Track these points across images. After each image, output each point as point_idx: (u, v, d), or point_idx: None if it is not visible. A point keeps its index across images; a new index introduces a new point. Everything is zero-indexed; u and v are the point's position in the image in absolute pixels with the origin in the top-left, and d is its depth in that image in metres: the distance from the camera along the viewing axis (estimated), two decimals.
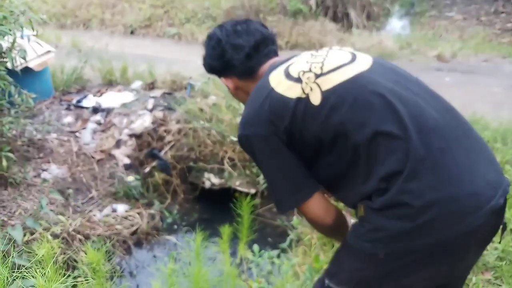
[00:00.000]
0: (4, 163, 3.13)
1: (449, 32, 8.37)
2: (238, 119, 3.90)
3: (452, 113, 1.28)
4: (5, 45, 3.16)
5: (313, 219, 1.37)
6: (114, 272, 2.97)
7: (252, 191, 3.74)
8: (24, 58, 3.33)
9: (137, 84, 4.97)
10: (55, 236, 2.93)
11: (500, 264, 2.46)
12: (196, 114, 4.08)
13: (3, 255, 2.39)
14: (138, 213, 3.55)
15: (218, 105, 4.11)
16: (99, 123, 4.18)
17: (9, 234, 2.75)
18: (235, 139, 3.84)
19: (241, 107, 4.06)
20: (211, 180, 3.93)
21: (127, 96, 4.62)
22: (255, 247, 2.87)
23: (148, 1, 8.58)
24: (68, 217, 3.18)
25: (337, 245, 1.46)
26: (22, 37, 3.32)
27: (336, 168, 1.29)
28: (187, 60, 5.96)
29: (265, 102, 1.30)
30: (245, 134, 1.35)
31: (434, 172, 1.15)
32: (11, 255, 2.42)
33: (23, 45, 3.34)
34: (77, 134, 4.01)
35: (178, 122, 4.16)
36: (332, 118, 1.23)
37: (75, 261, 2.87)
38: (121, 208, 3.54)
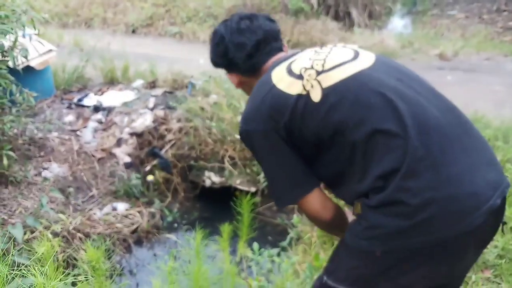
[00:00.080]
0: (5, 161, 3.14)
1: (451, 30, 8.36)
2: (239, 118, 3.91)
3: (454, 112, 1.27)
4: (7, 43, 3.17)
5: (312, 215, 1.37)
6: (114, 270, 2.99)
7: (253, 189, 3.74)
8: (25, 57, 3.33)
9: (138, 83, 4.97)
10: (55, 234, 2.93)
11: (500, 262, 2.46)
12: (197, 113, 4.08)
13: (3, 253, 2.40)
14: (139, 212, 3.55)
15: (219, 104, 4.11)
16: (100, 122, 4.19)
17: (10, 233, 2.75)
18: (237, 136, 3.84)
19: (242, 106, 4.07)
20: (211, 178, 3.93)
21: (128, 95, 4.63)
22: (255, 245, 2.87)
23: (150, 0, 8.59)
24: (69, 215, 3.19)
25: (337, 243, 1.47)
26: (24, 36, 3.33)
27: (335, 166, 1.29)
28: (189, 59, 5.98)
29: (266, 98, 1.31)
30: (246, 129, 1.36)
31: (433, 171, 1.14)
32: (11, 253, 2.43)
33: (25, 44, 3.34)
34: (78, 132, 4.02)
35: (179, 121, 4.17)
36: (331, 115, 1.23)
37: (75, 259, 2.87)
38: (122, 206, 3.54)
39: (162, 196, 3.95)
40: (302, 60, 1.35)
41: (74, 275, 2.34)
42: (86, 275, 2.45)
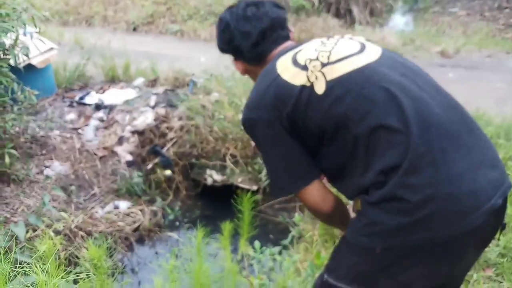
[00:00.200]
0: (7, 160, 3.14)
1: (452, 28, 8.35)
2: (240, 116, 3.91)
3: (457, 109, 1.27)
4: (8, 42, 3.17)
5: (311, 206, 1.38)
6: (116, 269, 3.00)
7: (254, 187, 3.75)
8: (26, 55, 3.33)
9: (139, 81, 4.97)
10: (57, 232, 2.94)
11: (502, 261, 2.46)
12: (198, 111, 4.08)
13: (6, 251, 2.40)
14: (140, 210, 3.56)
15: (221, 102, 4.11)
16: (101, 120, 4.19)
17: (12, 231, 2.76)
18: (239, 134, 3.84)
19: (243, 104, 4.07)
20: (213, 177, 3.94)
21: (129, 93, 4.63)
22: (257, 243, 2.88)
23: None
24: (71, 213, 3.20)
25: (338, 241, 1.47)
26: (24, 34, 3.33)
27: (337, 158, 1.30)
28: (190, 57, 5.98)
29: (270, 88, 1.31)
30: (249, 118, 1.36)
31: (434, 168, 1.14)
32: (13, 251, 2.44)
33: (26, 42, 3.34)
34: (79, 131, 4.03)
35: (180, 119, 4.17)
36: (335, 108, 1.23)
37: (77, 257, 2.88)
38: (123, 205, 3.54)
39: (164, 195, 3.96)
40: (308, 50, 1.34)
41: (76, 273, 2.35)
42: (88, 273, 2.46)
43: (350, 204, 1.50)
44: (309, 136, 1.30)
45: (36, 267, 1.71)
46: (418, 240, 1.15)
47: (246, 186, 3.74)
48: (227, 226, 2.32)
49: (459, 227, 1.13)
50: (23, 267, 2.35)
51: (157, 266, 3.08)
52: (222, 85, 4.43)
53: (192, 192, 4.09)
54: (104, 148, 3.91)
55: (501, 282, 2.37)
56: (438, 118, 1.19)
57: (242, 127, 1.44)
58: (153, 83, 4.89)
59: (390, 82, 1.22)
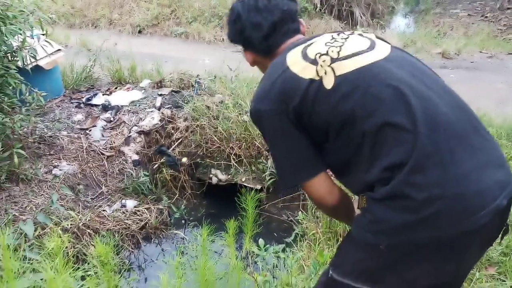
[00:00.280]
0: (16, 160, 3.17)
1: (453, 29, 8.33)
2: (244, 117, 3.95)
3: (464, 110, 1.27)
4: (16, 44, 3.22)
5: (316, 198, 1.38)
6: (123, 265, 3.05)
7: (258, 186, 3.76)
8: (34, 57, 3.38)
9: (145, 82, 5.01)
10: (66, 230, 2.97)
11: (504, 260, 2.47)
12: (203, 111, 4.11)
13: (15, 249, 2.45)
14: (147, 209, 3.58)
15: (225, 103, 4.15)
16: (108, 121, 4.23)
17: (21, 229, 2.80)
18: (243, 134, 3.87)
19: (247, 105, 4.10)
20: (218, 176, 3.96)
21: (135, 94, 4.66)
22: (261, 241, 2.90)
23: (156, 0, 8.62)
24: (78, 212, 3.23)
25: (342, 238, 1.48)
26: (32, 36, 3.37)
27: (343, 153, 1.29)
28: (194, 59, 6.02)
29: (279, 80, 1.31)
30: (257, 109, 1.36)
31: (441, 168, 1.14)
32: (22, 249, 2.49)
33: (33, 45, 3.39)
34: (87, 131, 4.06)
35: (185, 119, 4.20)
36: (342, 104, 1.23)
37: (85, 254, 2.91)
38: (130, 203, 3.57)
39: (170, 193, 3.98)
40: (318, 45, 1.34)
41: (83, 270, 2.40)
42: (95, 270, 2.50)
43: (355, 199, 1.50)
44: (315, 130, 1.30)
45: (45, 264, 1.76)
46: (424, 238, 1.15)
47: (250, 185, 3.75)
48: (231, 224, 2.34)
49: (465, 225, 1.13)
50: (32, 263, 2.40)
51: (163, 263, 3.13)
52: (226, 86, 4.47)
53: (197, 191, 4.11)
54: (111, 148, 3.94)
55: (503, 280, 2.38)
56: (446, 118, 1.19)
57: (250, 118, 1.45)
58: (158, 84, 4.93)
59: (398, 81, 1.22)
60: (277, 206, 3.81)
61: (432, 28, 8.48)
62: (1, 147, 3.14)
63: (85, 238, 3.04)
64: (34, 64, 3.75)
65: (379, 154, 1.19)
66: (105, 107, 4.37)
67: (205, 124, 4.01)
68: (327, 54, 1.29)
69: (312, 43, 1.36)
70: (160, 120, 4.21)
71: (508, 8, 8.80)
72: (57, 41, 5.26)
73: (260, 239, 2.95)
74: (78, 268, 2.67)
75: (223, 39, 7.59)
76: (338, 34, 1.39)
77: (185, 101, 4.40)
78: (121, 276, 2.91)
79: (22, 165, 3.35)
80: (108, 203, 3.53)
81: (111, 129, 4.14)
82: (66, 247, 2.78)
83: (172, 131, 4.15)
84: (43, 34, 3.49)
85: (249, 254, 2.92)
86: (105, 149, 3.93)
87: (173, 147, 4.07)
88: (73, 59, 5.16)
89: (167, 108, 4.37)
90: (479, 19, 8.68)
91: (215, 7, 8.24)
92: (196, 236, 3.19)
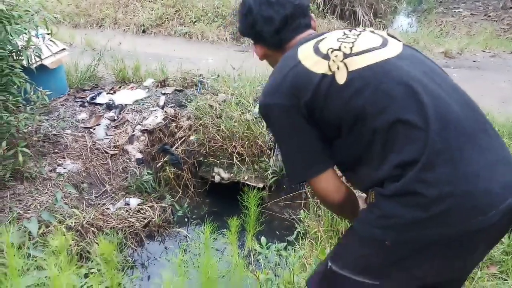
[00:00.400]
0: (20, 158, 3.18)
1: (456, 28, 8.31)
2: (247, 116, 3.96)
3: (473, 108, 1.27)
4: (21, 43, 3.24)
5: (322, 195, 1.37)
6: (126, 263, 3.07)
7: (260, 185, 3.77)
8: (39, 56, 3.40)
9: (149, 81, 5.03)
10: (69, 228, 2.99)
11: (506, 259, 2.47)
12: (206, 110, 4.13)
13: (19, 247, 2.47)
14: (150, 207, 3.60)
15: (228, 102, 4.16)
16: (112, 120, 4.24)
17: (25, 227, 2.82)
18: (245, 133, 3.89)
19: (250, 104, 4.12)
20: (220, 174, 3.98)
21: (139, 93, 4.68)
22: (263, 239, 2.92)
23: (160, 0, 8.65)
24: (82, 210, 3.24)
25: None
26: (37, 36, 3.39)
27: (353, 149, 1.29)
28: (198, 58, 6.04)
29: (290, 74, 1.31)
30: (266, 103, 1.35)
31: (451, 165, 1.14)
32: (27, 247, 2.51)
33: (38, 44, 3.41)
34: (91, 130, 4.08)
35: (189, 118, 4.22)
36: (354, 100, 1.23)
37: (89, 252, 2.93)
38: (134, 201, 3.58)
39: (173, 192, 4.00)
40: (330, 40, 1.34)
41: (87, 267, 2.42)
42: (99, 267, 2.52)
43: (360, 196, 1.50)
44: (327, 125, 1.30)
45: (49, 262, 1.78)
46: (434, 236, 1.15)
47: (252, 184, 3.76)
48: (234, 222, 2.35)
49: (475, 224, 1.14)
50: (36, 261, 2.42)
51: (166, 261, 3.16)
52: (229, 85, 4.49)
53: (200, 189, 4.12)
54: (115, 146, 3.96)
55: (505, 279, 2.38)
56: (456, 116, 1.19)
57: (259, 113, 1.45)
58: (162, 83, 4.95)
59: (410, 78, 1.22)
60: (279, 205, 3.83)
61: (434, 28, 8.46)
62: (6, 146, 3.16)
63: (88, 236, 3.05)
64: (39, 63, 3.76)
65: (390, 152, 1.20)
66: (109, 106, 4.39)
67: (208, 123, 4.03)
68: (339, 49, 1.29)
69: (323, 38, 1.36)
70: (164, 119, 4.22)
71: (511, 7, 8.76)
72: (62, 41, 5.29)
73: (262, 237, 2.97)
74: (82, 265, 2.70)
75: (226, 38, 7.62)
76: (350, 31, 1.40)
77: (189, 100, 4.42)
78: (124, 274, 2.94)
79: (26, 164, 3.36)
80: (112, 201, 3.54)
81: (115, 128, 4.16)
82: (70, 245, 2.79)
83: (176, 130, 4.17)
84: (48, 34, 3.50)
85: (251, 252, 2.94)
86: (109, 147, 3.94)
87: (176, 145, 4.08)
88: (77, 59, 5.19)
89: (171, 107, 4.39)
90: (482, 18, 8.65)
91: (219, 7, 8.26)
92: (199, 234, 3.21)
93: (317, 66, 1.28)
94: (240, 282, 2.30)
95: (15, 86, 3.24)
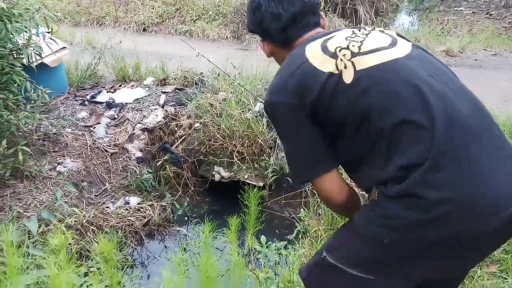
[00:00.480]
0: (20, 156, 3.18)
1: (458, 27, 8.31)
2: (247, 115, 3.96)
3: (479, 108, 1.26)
4: (21, 41, 3.24)
5: (326, 195, 1.37)
6: (126, 262, 3.07)
7: (260, 184, 3.77)
8: (39, 54, 3.40)
9: (149, 80, 5.03)
10: (69, 227, 2.98)
11: (506, 257, 2.47)
12: (207, 109, 4.13)
13: (19, 246, 2.47)
14: (150, 205, 3.59)
15: (228, 101, 4.16)
16: (112, 118, 4.24)
17: (25, 226, 2.82)
18: (245, 132, 3.88)
19: (251, 103, 4.11)
20: (220, 173, 3.98)
21: (140, 92, 4.68)
22: (263, 238, 2.92)
23: None
24: (82, 209, 3.24)
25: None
26: (37, 34, 3.39)
27: (357, 149, 1.29)
28: (198, 57, 6.03)
29: (297, 72, 1.30)
30: (272, 101, 1.35)
31: (456, 165, 1.14)
32: (26, 245, 2.51)
33: (39, 42, 3.41)
34: (91, 128, 4.08)
35: (189, 117, 4.22)
36: (362, 99, 1.22)
37: (88, 251, 2.93)
38: (134, 200, 3.58)
39: (173, 190, 4.00)
40: (339, 39, 1.33)
41: (87, 266, 2.42)
42: (99, 266, 2.53)
43: (361, 194, 1.50)
44: (332, 125, 1.29)
45: (49, 260, 1.78)
46: (437, 237, 1.15)
47: (252, 182, 3.76)
48: (234, 221, 2.34)
49: (476, 226, 1.13)
50: (35, 260, 2.41)
51: (166, 259, 3.16)
52: (229, 84, 4.48)
53: (200, 188, 4.12)
54: (115, 145, 3.96)
55: (505, 278, 2.38)
56: (462, 115, 1.18)
57: (264, 111, 1.44)
58: (162, 82, 4.95)
59: (419, 79, 1.21)
60: (279, 203, 3.82)
61: (436, 26, 8.45)
62: (6, 144, 3.16)
63: (88, 234, 3.05)
64: (39, 61, 3.77)
65: (395, 152, 1.19)
66: (109, 105, 4.39)
67: (208, 122, 4.03)
68: (347, 48, 1.28)
69: (332, 37, 1.35)
70: (164, 118, 4.22)
71: None
72: (62, 39, 5.29)
73: (262, 236, 2.97)
74: (82, 264, 2.71)
75: (227, 37, 7.61)
76: (359, 30, 1.39)
77: (189, 99, 4.42)
78: (124, 273, 2.94)
79: (26, 162, 3.36)
80: (112, 200, 3.54)
81: (115, 127, 4.16)
82: (70, 244, 2.80)
83: (176, 129, 4.17)
84: (48, 32, 3.50)
85: (251, 251, 2.94)
86: (109, 146, 3.94)
87: (176, 144, 4.08)
88: (78, 57, 5.19)
89: (171, 105, 4.39)
90: (484, 17, 8.64)
91: (219, 5, 8.26)
92: (199, 233, 3.22)
93: (325, 64, 1.27)
94: (239, 281, 2.30)
95: (16, 85, 3.24)
